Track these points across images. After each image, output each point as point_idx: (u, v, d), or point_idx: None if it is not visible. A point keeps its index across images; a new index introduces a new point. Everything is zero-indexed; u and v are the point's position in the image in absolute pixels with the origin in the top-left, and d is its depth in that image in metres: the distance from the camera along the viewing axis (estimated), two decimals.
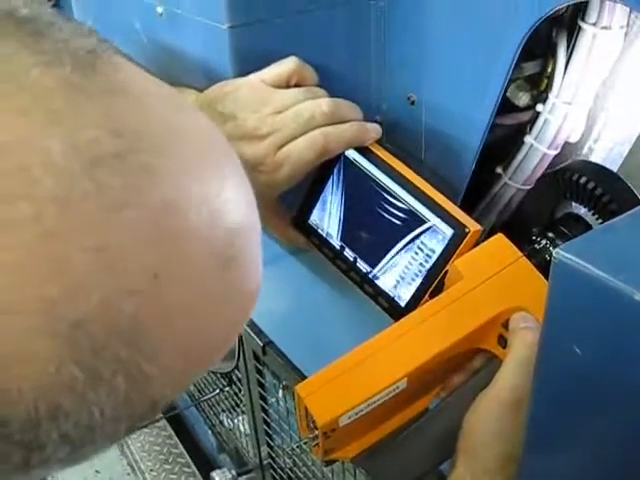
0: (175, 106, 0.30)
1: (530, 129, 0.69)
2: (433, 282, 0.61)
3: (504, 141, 0.72)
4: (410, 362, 0.53)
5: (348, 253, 0.67)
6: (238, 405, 1.41)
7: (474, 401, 0.52)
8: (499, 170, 0.74)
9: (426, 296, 0.62)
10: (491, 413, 0.51)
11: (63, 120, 0.25)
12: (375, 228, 0.65)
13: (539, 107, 0.67)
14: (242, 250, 0.30)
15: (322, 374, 0.53)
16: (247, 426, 1.38)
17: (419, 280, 0.62)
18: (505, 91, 0.66)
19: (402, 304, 0.63)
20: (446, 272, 0.60)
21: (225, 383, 1.10)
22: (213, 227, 0.28)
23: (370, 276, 0.66)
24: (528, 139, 0.69)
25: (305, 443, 0.64)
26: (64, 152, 0.24)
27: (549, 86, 0.65)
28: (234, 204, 0.30)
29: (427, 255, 0.61)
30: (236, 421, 1.45)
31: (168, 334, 0.28)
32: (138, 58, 0.73)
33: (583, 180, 0.59)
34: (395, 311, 0.64)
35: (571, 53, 0.63)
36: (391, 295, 0.64)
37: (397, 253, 0.64)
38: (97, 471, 1.69)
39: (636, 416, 0.35)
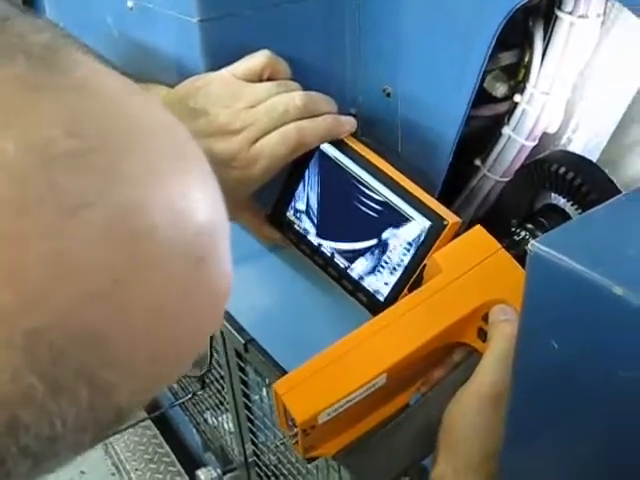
0: (138, 103, 0.29)
1: (508, 120, 0.68)
2: (412, 276, 0.60)
3: (482, 133, 0.71)
4: (389, 357, 0.52)
5: (325, 248, 0.66)
6: (222, 403, 1.41)
7: (454, 396, 0.52)
8: (477, 162, 0.73)
9: (405, 290, 0.61)
10: (471, 408, 0.50)
11: (17, 119, 0.24)
12: (352, 222, 0.64)
13: (517, 98, 0.66)
14: (210, 250, 0.29)
15: (300, 371, 0.53)
16: (231, 424, 1.38)
17: (398, 274, 0.61)
18: (482, 82, 0.65)
19: (381, 299, 0.63)
20: (425, 265, 0.59)
21: (199, 386, 1.08)
22: (179, 227, 0.27)
23: (348, 271, 0.65)
24: (506, 130, 0.68)
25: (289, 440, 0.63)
26: (18, 153, 0.23)
27: (526, 76, 0.65)
28: (200, 203, 0.29)
29: (405, 249, 0.60)
30: (220, 419, 1.45)
31: (133, 340, 0.27)
32: (110, 53, 0.73)
33: (562, 170, 0.58)
34: (374, 306, 0.63)
35: (548, 42, 0.62)
36: (370, 290, 0.63)
37: (375, 247, 0.63)
38: (82, 472, 1.69)
39: (614, 410, 0.35)
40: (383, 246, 0.62)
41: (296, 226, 0.68)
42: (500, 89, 0.67)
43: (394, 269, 0.61)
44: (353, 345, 0.53)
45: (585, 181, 0.56)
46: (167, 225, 0.27)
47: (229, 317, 1.19)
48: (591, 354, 0.35)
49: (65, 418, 0.25)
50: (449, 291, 0.54)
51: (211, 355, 0.52)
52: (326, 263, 0.66)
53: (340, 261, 0.65)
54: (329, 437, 0.56)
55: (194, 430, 1.59)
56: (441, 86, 0.64)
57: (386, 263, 0.62)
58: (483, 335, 0.54)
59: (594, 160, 0.65)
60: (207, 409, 1.48)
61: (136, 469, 1.72)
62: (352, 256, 0.65)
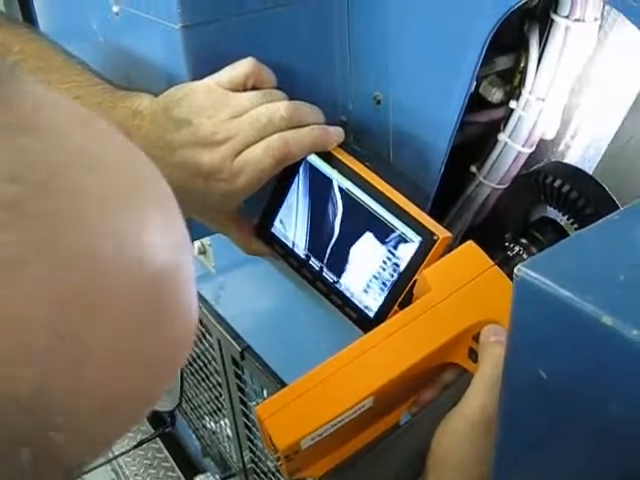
0: (90, 135, 0.27)
1: (504, 126, 0.66)
2: (402, 292, 0.58)
3: (478, 139, 0.70)
4: (375, 380, 0.50)
5: (314, 262, 0.64)
6: (220, 409, 1.40)
7: (444, 419, 0.50)
8: (473, 169, 0.71)
9: (395, 306, 0.59)
10: (460, 432, 0.48)
11: None
12: (340, 236, 0.62)
13: (512, 104, 0.64)
14: (168, 296, 0.27)
15: (283, 393, 0.51)
16: (229, 430, 1.38)
17: (387, 290, 0.59)
18: (477, 87, 0.64)
19: (371, 315, 0.61)
20: (415, 281, 0.57)
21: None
22: (133, 275, 0.25)
23: (337, 286, 0.63)
24: (502, 137, 0.66)
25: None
26: None
27: (522, 82, 0.63)
28: (158, 246, 0.26)
29: (395, 264, 0.58)
30: (218, 425, 1.44)
31: (80, 398, 0.24)
32: (96, 60, 0.71)
33: (557, 183, 0.56)
34: (364, 322, 0.61)
35: (544, 47, 0.60)
36: (359, 306, 0.62)
37: (364, 263, 0.61)
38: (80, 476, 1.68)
39: (604, 441, 0.34)
40: (373, 261, 0.60)
41: (283, 240, 0.66)
42: (496, 95, 0.65)
43: (384, 285, 0.59)
44: (339, 367, 0.51)
45: (581, 194, 0.54)
46: (118, 273, 0.24)
47: (225, 324, 1.19)
48: (579, 385, 0.33)
49: None
50: (438, 310, 0.52)
51: (182, 389, 0.50)
52: (314, 277, 0.64)
53: (329, 276, 0.63)
54: (315, 459, 0.54)
55: (193, 435, 1.58)
56: (432, 92, 0.62)
57: (375, 278, 0.60)
58: (474, 355, 0.52)
59: (593, 167, 0.63)
60: (205, 414, 1.47)
61: (135, 474, 1.72)
62: (341, 271, 0.62)
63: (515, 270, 0.33)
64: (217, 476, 1.47)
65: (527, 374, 0.35)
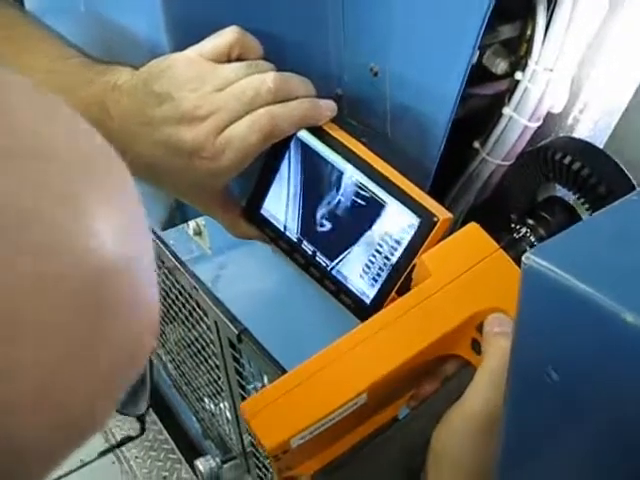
0: (45, 120, 0.25)
1: (509, 99, 0.64)
2: (400, 277, 0.55)
3: (481, 113, 0.67)
4: (369, 375, 0.47)
5: (306, 246, 0.61)
6: (219, 392, 1.39)
7: (444, 415, 0.47)
8: (476, 145, 0.69)
9: (393, 293, 0.56)
10: (461, 429, 0.46)
11: None
12: (334, 218, 0.59)
13: (518, 75, 0.62)
14: (116, 295, 0.24)
15: (271, 389, 0.47)
16: (229, 413, 1.37)
17: (384, 275, 0.56)
18: (480, 57, 0.63)
19: (367, 301, 0.57)
20: (414, 266, 0.54)
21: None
22: (73, 269, 0.23)
23: (331, 271, 0.59)
24: (507, 110, 0.64)
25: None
26: None
27: (528, 51, 0.61)
28: (105, 237, 0.24)
29: (392, 247, 0.55)
30: (218, 407, 1.43)
31: (26, 408, 0.22)
32: (77, 31, 0.67)
33: (567, 160, 0.53)
34: (360, 309, 0.58)
35: (552, 14, 0.57)
36: (355, 292, 0.58)
37: (359, 246, 0.57)
38: (82, 460, 1.68)
39: (621, 447, 0.31)
40: (368, 244, 0.57)
41: (273, 222, 0.63)
42: (500, 65, 0.63)
43: (380, 269, 0.56)
44: (330, 360, 0.47)
45: (594, 172, 0.51)
46: (57, 269, 0.22)
47: (222, 306, 1.17)
48: (593, 385, 0.30)
49: None
50: (438, 298, 0.49)
51: (151, 395, 0.47)
52: (307, 262, 0.61)
53: (322, 260, 0.60)
54: (306, 457, 0.51)
55: (194, 418, 1.57)
56: (433, 63, 0.59)
57: (372, 263, 0.56)
58: (477, 347, 0.48)
59: (603, 142, 0.60)
60: (205, 396, 1.46)
61: (136, 457, 1.72)
62: (335, 255, 0.59)
63: (523, 258, 0.29)
64: (217, 459, 1.45)
65: (535, 372, 0.32)
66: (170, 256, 1.14)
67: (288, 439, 0.45)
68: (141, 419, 0.63)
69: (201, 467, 1.43)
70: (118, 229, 0.24)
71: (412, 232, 0.54)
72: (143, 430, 0.61)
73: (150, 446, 1.71)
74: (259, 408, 0.46)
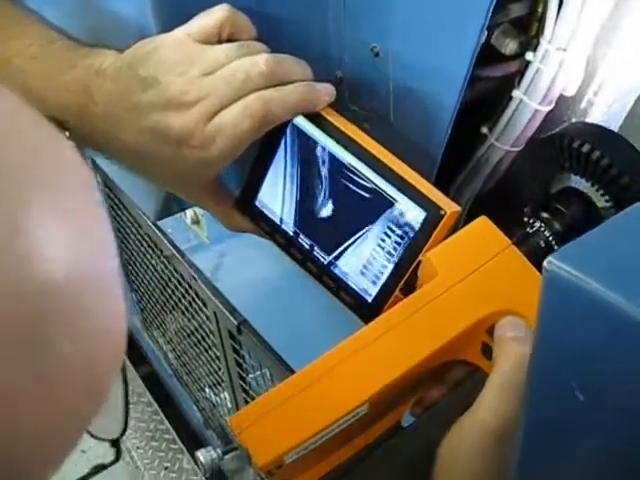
0: None
1: (519, 82, 0.62)
2: (404, 274, 0.52)
3: (489, 96, 0.66)
4: (371, 384, 0.44)
5: (303, 240, 0.57)
6: (220, 383, 1.39)
7: (454, 424, 0.44)
8: (484, 130, 0.67)
9: (396, 292, 0.53)
10: (471, 442, 0.43)
11: None
12: (334, 211, 0.56)
13: (529, 55, 0.60)
14: (62, 322, 0.20)
15: (262, 400, 0.44)
16: (230, 404, 1.36)
17: (387, 272, 0.53)
18: (489, 37, 0.60)
19: (369, 299, 0.54)
20: (419, 262, 0.50)
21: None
22: (9, 288, 0.19)
23: (330, 267, 0.56)
24: (517, 93, 0.62)
25: None
26: None
27: (540, 30, 0.59)
28: (51, 255, 0.20)
29: (395, 242, 0.52)
30: (219, 398, 1.43)
31: None
32: (62, 11, 0.64)
33: (586, 148, 0.50)
34: (361, 307, 0.55)
35: None
36: (355, 289, 0.55)
37: (360, 240, 0.54)
38: (83, 451, 1.67)
39: None
40: (370, 239, 0.54)
41: (268, 214, 0.59)
42: (510, 46, 0.61)
43: (383, 266, 0.53)
44: (328, 368, 0.44)
45: (614, 161, 0.48)
46: None
47: (221, 297, 1.16)
48: (623, 405, 0.28)
49: None
50: (445, 300, 0.46)
51: (126, 418, 0.43)
52: (304, 257, 0.58)
53: (320, 255, 0.57)
54: (303, 470, 0.48)
55: (195, 407, 1.57)
56: (438, 43, 0.57)
57: (374, 259, 0.53)
58: (488, 352, 0.46)
59: (617, 127, 0.58)
60: (206, 386, 1.46)
61: (137, 447, 1.71)
62: (334, 250, 0.56)
63: (545, 263, 0.27)
64: (219, 450, 1.44)
65: (558, 389, 0.30)
66: (168, 245, 1.12)
67: (282, 455, 0.42)
68: (117, 444, 0.60)
69: (202, 458, 1.42)
70: (69, 244, 0.21)
71: (417, 226, 0.51)
72: (117, 459, 0.58)
73: (151, 436, 1.71)
74: (251, 422, 0.43)
